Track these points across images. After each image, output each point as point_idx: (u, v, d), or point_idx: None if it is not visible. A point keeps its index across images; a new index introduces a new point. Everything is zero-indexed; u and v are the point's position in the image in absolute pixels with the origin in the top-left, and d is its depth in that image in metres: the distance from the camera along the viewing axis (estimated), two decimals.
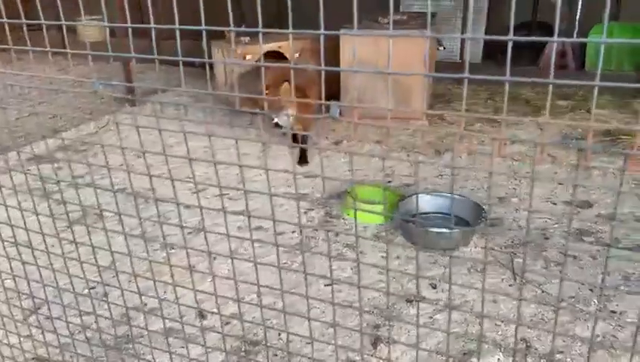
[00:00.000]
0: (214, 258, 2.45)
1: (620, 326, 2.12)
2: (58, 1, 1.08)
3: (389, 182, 3.43)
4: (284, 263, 2.58)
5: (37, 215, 1.30)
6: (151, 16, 0.99)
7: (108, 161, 1.14)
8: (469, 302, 2.30)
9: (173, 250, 2.53)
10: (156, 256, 2.62)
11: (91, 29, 5.64)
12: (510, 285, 2.41)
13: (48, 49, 1.13)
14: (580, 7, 5.04)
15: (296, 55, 4.94)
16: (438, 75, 0.92)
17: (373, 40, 4.01)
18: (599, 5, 0.87)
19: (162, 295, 1.36)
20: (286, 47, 4.82)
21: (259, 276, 1.09)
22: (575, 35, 5.06)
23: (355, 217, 1.01)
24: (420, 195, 3.06)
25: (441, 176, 3.49)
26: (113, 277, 1.36)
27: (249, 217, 1.04)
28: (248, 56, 4.79)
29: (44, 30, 1.13)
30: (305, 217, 3.07)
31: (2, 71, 1.24)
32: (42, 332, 1.55)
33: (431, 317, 2.22)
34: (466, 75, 0.81)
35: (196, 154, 1.00)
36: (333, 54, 4.37)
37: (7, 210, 1.30)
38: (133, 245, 1.29)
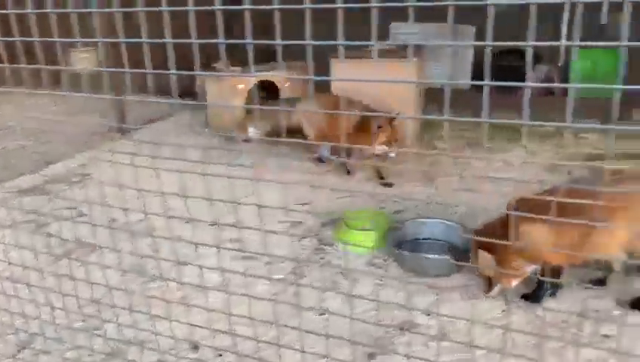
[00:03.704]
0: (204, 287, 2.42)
1: None
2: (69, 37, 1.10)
3: (382, 208, 3.43)
4: (275, 294, 2.56)
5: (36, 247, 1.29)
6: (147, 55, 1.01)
7: (101, 195, 1.14)
8: (461, 330, 2.27)
9: (161, 283, 2.50)
10: (144, 288, 2.58)
11: (85, 59, 5.69)
12: (503, 311, 2.40)
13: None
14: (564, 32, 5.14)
15: (286, 85, 4.99)
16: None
17: (360, 70, 4.07)
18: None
19: (152, 327, 1.34)
20: (276, 77, 4.87)
21: (251, 304, 1.08)
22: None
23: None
24: (411, 221, 3.08)
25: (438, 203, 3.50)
26: (97, 311, 1.35)
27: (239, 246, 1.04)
28: (240, 86, 4.82)
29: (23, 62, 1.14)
30: (298, 245, 3.05)
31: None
32: None
33: (425, 345, 2.20)
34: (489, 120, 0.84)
35: (184, 182, 1.00)
36: (323, 84, 4.41)
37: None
38: (120, 278, 1.28)
